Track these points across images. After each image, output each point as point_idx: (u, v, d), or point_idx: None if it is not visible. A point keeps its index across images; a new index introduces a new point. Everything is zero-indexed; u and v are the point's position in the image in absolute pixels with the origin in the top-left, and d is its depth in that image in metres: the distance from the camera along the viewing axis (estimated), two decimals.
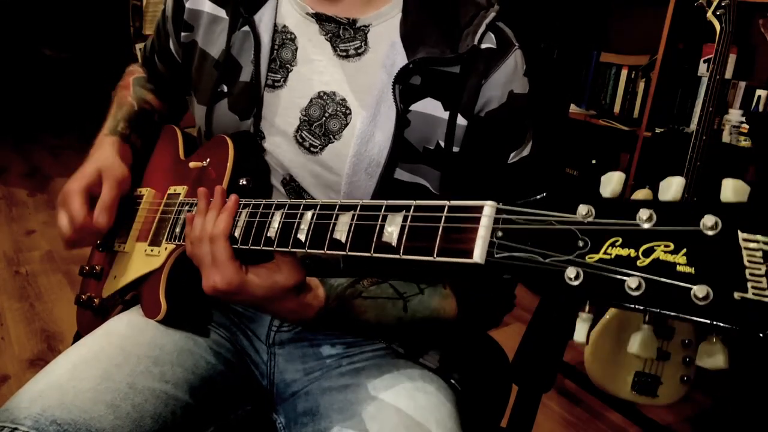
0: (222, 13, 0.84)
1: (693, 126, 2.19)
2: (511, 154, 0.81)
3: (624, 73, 2.76)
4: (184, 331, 0.81)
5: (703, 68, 2.44)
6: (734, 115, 2.28)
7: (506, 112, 0.78)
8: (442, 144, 0.77)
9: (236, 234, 0.68)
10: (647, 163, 2.49)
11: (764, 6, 2.17)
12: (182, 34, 0.88)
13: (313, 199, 0.81)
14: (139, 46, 3.58)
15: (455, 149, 0.78)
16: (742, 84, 2.37)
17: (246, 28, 0.82)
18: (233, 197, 0.69)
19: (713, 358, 0.39)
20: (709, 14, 1.59)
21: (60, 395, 0.66)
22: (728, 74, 2.29)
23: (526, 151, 0.82)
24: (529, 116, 0.81)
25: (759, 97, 2.32)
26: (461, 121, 0.77)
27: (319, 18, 0.81)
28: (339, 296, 0.73)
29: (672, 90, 2.50)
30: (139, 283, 0.84)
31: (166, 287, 0.79)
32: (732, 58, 2.34)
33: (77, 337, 1.01)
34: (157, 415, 0.70)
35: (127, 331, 0.78)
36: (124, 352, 0.74)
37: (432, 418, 0.74)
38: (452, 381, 0.85)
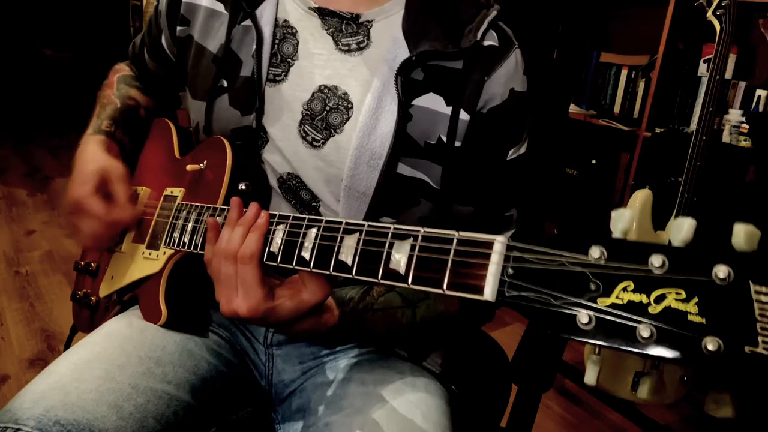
0: (220, 7, 0.84)
1: (693, 126, 2.20)
2: (510, 151, 0.81)
3: (624, 73, 2.76)
4: (185, 332, 0.81)
5: (703, 68, 2.44)
6: (734, 115, 2.28)
7: (507, 110, 0.79)
8: (444, 138, 0.78)
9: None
10: (647, 163, 2.49)
11: (764, 6, 2.17)
12: (178, 28, 0.88)
13: (312, 197, 0.81)
14: None
15: (457, 144, 0.79)
16: (742, 84, 2.37)
17: (247, 22, 0.82)
18: (264, 215, 0.65)
19: (721, 407, 0.40)
20: (709, 14, 1.59)
21: (63, 396, 0.66)
22: (728, 74, 2.29)
23: (523, 149, 0.83)
24: (528, 115, 0.82)
25: (759, 97, 2.32)
26: (464, 116, 0.78)
27: (322, 12, 0.81)
28: (351, 312, 0.73)
29: (672, 90, 2.50)
30: (137, 286, 0.84)
31: (165, 293, 0.79)
32: (732, 58, 2.34)
33: (73, 330, 1.01)
34: (159, 415, 0.70)
35: (128, 332, 0.78)
36: (126, 353, 0.74)
37: (418, 412, 0.74)
38: (448, 380, 0.85)
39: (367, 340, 0.83)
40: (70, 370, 0.71)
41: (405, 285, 0.52)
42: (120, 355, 0.74)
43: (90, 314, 0.94)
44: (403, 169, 0.78)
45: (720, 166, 2.10)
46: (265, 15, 0.82)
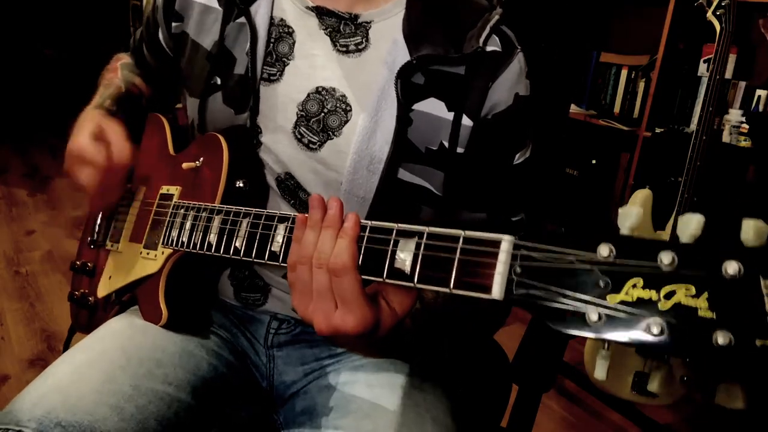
0: (214, 3, 0.83)
1: (693, 126, 2.19)
2: (516, 155, 0.81)
3: (624, 73, 2.76)
4: (186, 333, 0.81)
5: (703, 68, 2.44)
6: (734, 115, 2.28)
7: (513, 115, 0.78)
8: (446, 144, 0.77)
9: (237, 244, 0.64)
10: (647, 163, 2.49)
11: (764, 6, 2.17)
12: (173, 24, 0.87)
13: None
14: None
15: (459, 150, 0.78)
16: (742, 84, 2.37)
17: (241, 19, 0.80)
18: (353, 217, 0.56)
19: (732, 399, 0.40)
20: (709, 14, 1.59)
21: (63, 397, 0.66)
22: (728, 74, 2.28)
23: (528, 153, 0.83)
24: (532, 118, 0.82)
25: (759, 97, 2.32)
26: (467, 122, 0.77)
27: (320, 12, 0.80)
28: (417, 318, 0.70)
29: (672, 90, 2.50)
30: (136, 286, 0.83)
31: (165, 293, 0.78)
32: (732, 58, 2.34)
33: (71, 331, 1.01)
34: (160, 416, 0.70)
35: (129, 333, 0.78)
36: (126, 354, 0.74)
37: (428, 416, 0.74)
38: (452, 380, 0.85)
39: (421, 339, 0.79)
40: (71, 372, 0.71)
41: (411, 284, 0.52)
42: (121, 356, 0.74)
43: (88, 315, 0.94)
44: (404, 174, 0.77)
45: (720, 166, 2.10)
46: (260, 12, 0.81)
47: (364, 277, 0.55)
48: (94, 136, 0.79)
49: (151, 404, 0.70)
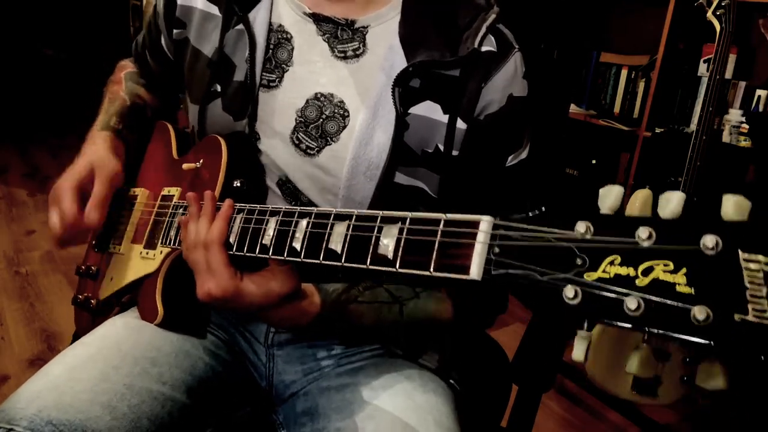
0: (215, 9, 0.83)
1: (693, 126, 2.19)
2: (509, 157, 0.80)
3: (624, 73, 2.76)
4: (182, 332, 0.81)
5: (703, 68, 2.44)
6: (734, 115, 2.28)
7: (506, 115, 0.78)
8: (441, 147, 0.77)
9: (231, 240, 0.67)
10: (647, 163, 2.49)
11: (764, 6, 2.17)
12: (174, 31, 0.87)
13: (310, 201, 0.81)
14: None
15: (454, 153, 0.78)
16: (742, 84, 2.37)
17: (240, 26, 0.81)
18: (228, 202, 0.68)
19: (713, 379, 0.39)
20: (709, 14, 1.59)
21: (57, 396, 0.66)
22: (728, 74, 2.28)
23: (524, 154, 0.82)
24: (528, 119, 0.81)
25: (759, 97, 2.32)
26: (461, 124, 0.77)
27: (317, 18, 0.80)
28: (334, 302, 0.73)
29: (672, 90, 2.50)
30: (136, 286, 0.84)
31: (162, 291, 0.79)
32: (732, 58, 2.34)
33: (75, 337, 1.01)
34: (154, 416, 0.70)
35: (125, 333, 0.78)
36: (121, 354, 0.74)
37: (430, 418, 0.74)
38: (451, 381, 0.85)
39: (353, 333, 0.82)
40: (66, 371, 0.71)
41: (393, 269, 0.52)
42: (115, 355, 0.74)
43: (91, 318, 0.94)
44: (401, 178, 0.77)
45: (720, 166, 2.09)
46: (258, 19, 0.81)
47: (347, 264, 0.56)
48: (78, 184, 0.82)
49: (144, 403, 0.70)
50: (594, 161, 2.81)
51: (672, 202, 0.39)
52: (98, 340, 0.78)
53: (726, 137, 2.28)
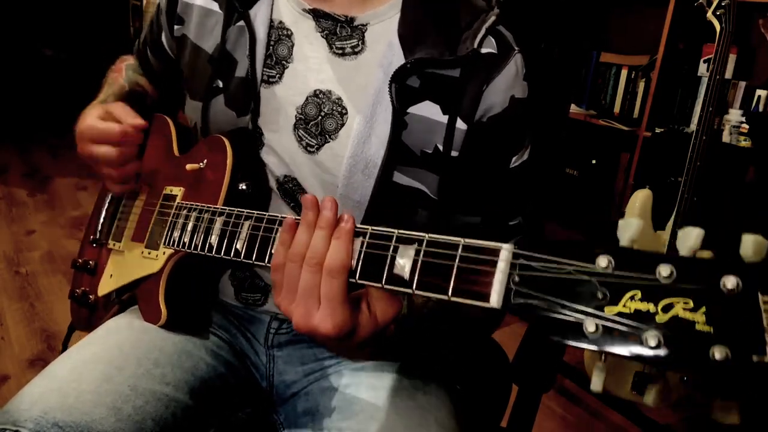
0: (215, 6, 0.83)
1: (693, 126, 2.19)
2: (513, 159, 0.80)
3: (624, 73, 2.76)
4: (184, 333, 0.81)
5: (703, 68, 2.44)
6: (734, 115, 2.28)
7: (508, 118, 0.78)
8: (441, 148, 0.77)
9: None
10: (647, 163, 2.49)
11: (764, 6, 2.17)
12: (174, 27, 0.87)
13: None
14: None
15: (454, 153, 0.77)
16: (742, 84, 2.37)
17: (241, 23, 0.81)
18: (350, 218, 0.57)
19: (727, 414, 0.40)
20: (709, 14, 1.59)
21: (61, 397, 0.66)
22: (728, 74, 2.29)
23: (526, 156, 0.82)
24: (530, 121, 0.81)
25: (759, 97, 2.32)
26: (461, 125, 0.77)
27: (316, 14, 0.80)
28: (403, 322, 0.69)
29: (672, 90, 2.50)
30: (136, 286, 0.84)
31: (165, 293, 0.78)
32: (732, 58, 2.34)
33: (71, 329, 1.01)
34: (158, 417, 0.70)
35: (127, 333, 0.78)
36: (124, 354, 0.74)
37: (432, 418, 0.74)
38: (452, 381, 0.85)
39: (423, 332, 0.79)
40: (69, 372, 0.71)
41: (410, 291, 0.52)
42: (119, 356, 0.74)
43: (88, 313, 0.94)
44: (400, 178, 0.77)
45: (720, 166, 2.10)
46: (259, 15, 0.81)
47: (361, 281, 0.55)
48: (102, 117, 0.82)
49: (148, 404, 0.69)
50: (594, 161, 2.81)
51: (691, 239, 0.40)
52: (101, 340, 0.78)
53: (726, 137, 2.28)
